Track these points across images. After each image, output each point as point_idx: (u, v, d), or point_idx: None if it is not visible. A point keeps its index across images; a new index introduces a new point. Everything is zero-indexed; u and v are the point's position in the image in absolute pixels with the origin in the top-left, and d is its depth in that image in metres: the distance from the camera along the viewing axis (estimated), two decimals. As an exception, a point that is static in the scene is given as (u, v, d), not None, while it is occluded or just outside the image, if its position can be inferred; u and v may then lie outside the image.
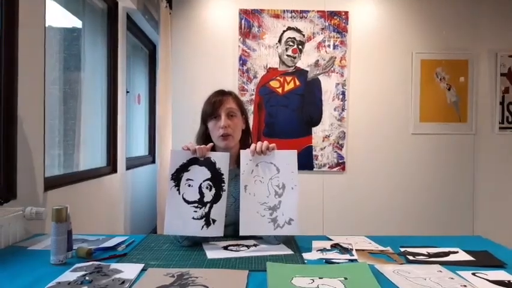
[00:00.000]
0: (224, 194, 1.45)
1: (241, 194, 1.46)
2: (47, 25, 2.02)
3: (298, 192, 1.46)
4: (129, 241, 1.51)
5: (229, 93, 1.69)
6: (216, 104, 1.62)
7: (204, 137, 1.67)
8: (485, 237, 1.68)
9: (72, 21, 2.74)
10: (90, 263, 1.24)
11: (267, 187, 1.46)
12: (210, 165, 1.47)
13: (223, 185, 1.46)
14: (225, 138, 1.60)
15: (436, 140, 3.48)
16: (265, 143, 1.47)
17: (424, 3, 3.47)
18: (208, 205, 1.44)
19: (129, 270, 1.19)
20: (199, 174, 1.46)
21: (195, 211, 1.44)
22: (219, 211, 1.44)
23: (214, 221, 1.43)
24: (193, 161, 1.47)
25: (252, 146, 1.48)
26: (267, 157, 1.47)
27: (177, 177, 1.45)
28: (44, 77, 1.94)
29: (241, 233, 1.43)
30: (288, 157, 1.49)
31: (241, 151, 1.49)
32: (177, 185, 1.45)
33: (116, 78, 3.03)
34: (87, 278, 1.12)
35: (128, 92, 3.40)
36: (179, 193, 1.45)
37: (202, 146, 1.48)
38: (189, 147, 1.47)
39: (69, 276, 1.14)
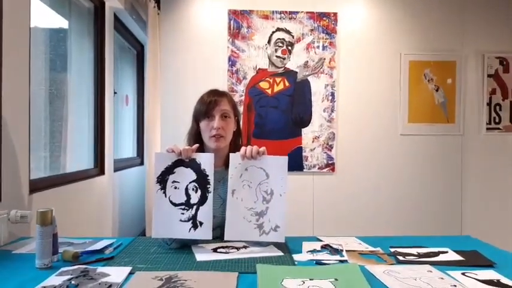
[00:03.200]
0: (210, 196, 1.44)
1: (228, 199, 1.44)
2: (32, 25, 1.98)
3: (286, 199, 1.45)
4: (116, 244, 1.49)
5: (225, 94, 1.67)
6: (211, 104, 1.60)
7: (196, 135, 1.66)
8: (473, 236, 1.69)
9: (58, 21, 2.70)
10: (76, 266, 1.22)
11: (255, 192, 1.45)
12: (196, 166, 1.45)
13: (208, 186, 1.44)
14: (217, 139, 1.59)
15: (425, 140, 3.51)
16: (255, 147, 1.45)
17: (412, 5, 3.50)
18: (194, 207, 1.43)
19: (116, 273, 1.16)
20: (185, 176, 1.45)
21: (182, 213, 1.42)
22: (205, 213, 1.43)
23: (201, 223, 1.42)
24: (178, 163, 1.45)
25: (242, 150, 1.46)
26: (257, 162, 1.45)
27: (162, 179, 1.44)
28: (29, 77, 1.91)
29: (226, 238, 1.43)
30: (278, 163, 1.47)
31: (231, 154, 1.47)
32: (163, 188, 1.43)
33: (103, 79, 2.99)
34: (73, 282, 1.09)
35: (115, 93, 3.36)
36: (165, 196, 1.43)
37: (187, 147, 1.46)
38: (173, 150, 1.45)
39: (54, 280, 1.11)
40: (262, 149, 1.46)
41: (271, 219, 1.43)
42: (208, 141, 1.61)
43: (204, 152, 1.62)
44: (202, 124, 1.62)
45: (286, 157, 1.47)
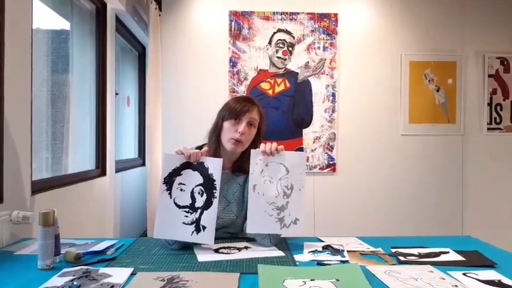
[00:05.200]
0: (215, 201, 1.44)
1: (249, 193, 1.48)
2: (34, 27, 1.99)
3: (305, 194, 1.50)
4: (118, 245, 1.49)
5: (256, 105, 1.68)
6: (243, 108, 1.61)
7: (217, 133, 1.66)
8: (475, 236, 1.69)
9: (60, 23, 2.71)
10: (78, 267, 1.22)
11: (276, 187, 1.49)
12: (203, 170, 1.46)
13: (214, 191, 1.45)
14: (235, 143, 1.60)
15: (425, 141, 3.51)
16: (274, 144, 1.51)
17: (412, 6, 3.50)
18: (199, 211, 1.43)
19: (118, 274, 1.17)
20: (191, 178, 1.45)
21: (186, 216, 1.43)
22: (209, 218, 1.43)
23: (204, 227, 1.42)
24: (186, 165, 1.46)
25: (262, 146, 1.50)
26: (276, 158, 1.50)
27: (169, 181, 1.44)
28: (31, 79, 1.91)
29: (248, 231, 1.48)
30: (297, 158, 1.52)
31: (252, 150, 1.51)
32: (169, 189, 1.44)
33: (105, 80, 3.00)
34: (75, 282, 1.10)
35: (117, 94, 3.37)
36: (170, 197, 1.43)
37: (196, 150, 1.47)
38: (182, 152, 1.46)
39: (56, 281, 1.12)
40: (281, 146, 1.52)
41: (291, 213, 1.48)
42: (227, 142, 1.61)
43: (218, 152, 1.63)
44: (227, 124, 1.62)
45: (305, 153, 1.55)
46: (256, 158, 1.50)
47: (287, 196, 1.48)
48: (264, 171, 1.49)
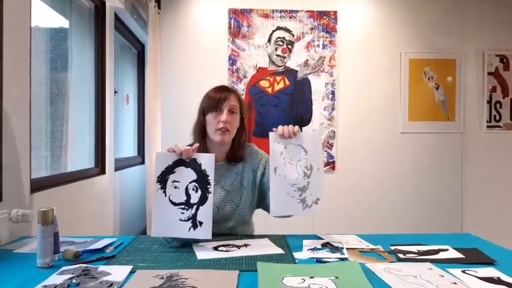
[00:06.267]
0: (210, 196, 1.44)
1: (271, 176, 1.51)
2: (33, 25, 1.99)
3: (323, 172, 1.53)
4: (117, 243, 1.49)
5: (233, 91, 1.70)
6: (220, 98, 1.62)
7: (202, 129, 1.66)
8: (474, 234, 1.70)
9: (59, 20, 2.70)
10: (78, 265, 1.22)
11: (296, 169, 1.51)
12: (196, 166, 1.46)
13: (208, 186, 1.44)
14: (222, 132, 1.60)
15: (425, 138, 3.51)
16: (291, 126, 1.53)
17: (412, 4, 3.50)
18: (194, 207, 1.43)
19: (117, 272, 1.17)
20: (185, 175, 1.45)
21: (182, 213, 1.43)
22: (205, 213, 1.43)
23: (201, 223, 1.42)
24: (178, 163, 1.46)
25: (280, 128, 1.53)
26: (294, 140, 1.53)
27: (162, 179, 1.44)
28: (29, 77, 1.91)
29: (272, 214, 1.52)
30: (313, 138, 1.56)
31: (270, 133, 1.55)
32: (163, 187, 1.44)
33: (104, 79, 2.99)
34: (74, 281, 1.10)
35: (116, 92, 3.37)
36: (165, 195, 1.44)
37: (187, 147, 1.47)
38: (174, 149, 1.46)
39: (55, 279, 1.12)
40: (297, 127, 1.54)
41: (313, 193, 1.51)
42: (214, 134, 1.62)
43: (206, 146, 1.63)
44: (210, 117, 1.62)
45: (320, 130, 1.58)
46: (275, 140, 1.53)
47: (307, 176, 1.51)
48: (283, 154, 1.52)
